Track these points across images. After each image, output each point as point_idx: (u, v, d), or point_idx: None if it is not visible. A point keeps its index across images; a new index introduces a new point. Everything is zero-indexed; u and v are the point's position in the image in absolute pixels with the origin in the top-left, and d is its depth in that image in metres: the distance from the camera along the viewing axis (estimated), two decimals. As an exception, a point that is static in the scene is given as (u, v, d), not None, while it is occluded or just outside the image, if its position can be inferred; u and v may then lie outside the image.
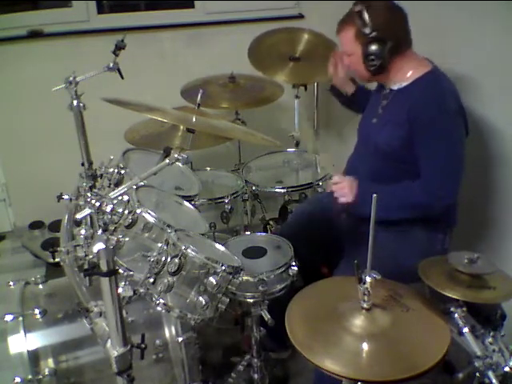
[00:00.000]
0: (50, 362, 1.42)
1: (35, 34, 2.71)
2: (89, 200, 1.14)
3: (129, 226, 1.31)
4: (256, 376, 1.86)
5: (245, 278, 1.57)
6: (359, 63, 1.72)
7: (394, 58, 1.69)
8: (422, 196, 1.67)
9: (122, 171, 1.61)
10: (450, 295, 1.24)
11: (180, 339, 1.50)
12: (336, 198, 1.74)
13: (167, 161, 1.25)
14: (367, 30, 1.63)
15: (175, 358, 1.51)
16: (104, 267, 1.05)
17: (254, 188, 2.20)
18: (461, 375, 1.33)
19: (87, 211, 1.11)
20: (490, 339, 1.29)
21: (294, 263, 1.67)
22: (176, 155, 1.25)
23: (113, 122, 2.36)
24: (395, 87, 1.76)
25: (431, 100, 1.64)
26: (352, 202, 1.70)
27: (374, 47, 1.65)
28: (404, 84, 1.73)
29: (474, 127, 1.76)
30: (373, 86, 2.01)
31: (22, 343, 1.41)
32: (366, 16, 1.63)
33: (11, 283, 1.62)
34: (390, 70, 1.72)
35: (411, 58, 1.72)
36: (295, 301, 1.28)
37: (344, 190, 1.71)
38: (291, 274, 1.66)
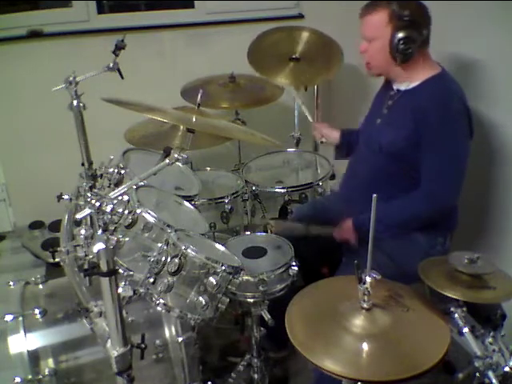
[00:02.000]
0: (50, 362, 1.42)
1: (35, 34, 2.71)
2: (89, 200, 1.14)
3: (129, 226, 1.31)
4: (256, 376, 1.86)
5: (245, 277, 1.57)
6: (381, 49, 1.68)
7: (420, 51, 1.66)
8: (422, 203, 1.68)
9: (122, 171, 1.61)
10: (450, 295, 1.24)
11: (180, 339, 1.50)
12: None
13: (167, 161, 1.25)
14: (406, 13, 1.60)
15: (175, 358, 1.51)
16: (104, 267, 1.05)
17: (254, 188, 2.20)
18: (461, 375, 1.33)
19: (87, 211, 1.11)
20: (490, 339, 1.29)
21: (294, 263, 1.67)
22: (176, 155, 1.25)
23: (113, 122, 2.35)
24: (403, 88, 1.75)
25: (437, 102, 1.63)
26: (357, 240, 1.77)
27: (409, 31, 1.61)
28: (412, 85, 1.72)
29: (475, 127, 1.76)
30: (373, 89, 2.01)
31: (22, 343, 1.40)
32: (406, 2, 1.61)
33: (11, 283, 1.62)
34: (411, 64, 1.69)
35: (427, 58, 1.72)
36: (295, 301, 1.28)
37: (345, 235, 1.80)
38: (291, 273, 1.66)
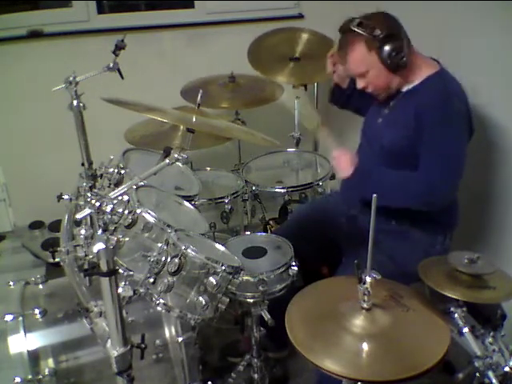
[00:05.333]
0: (50, 361, 1.42)
1: (35, 34, 2.71)
2: (89, 200, 1.14)
3: (129, 226, 1.31)
4: (256, 376, 1.86)
5: (245, 277, 1.58)
6: (379, 74, 1.67)
7: (410, 53, 1.66)
8: (421, 185, 1.64)
9: (122, 171, 1.61)
10: (449, 295, 1.24)
11: (180, 339, 1.50)
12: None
13: (167, 161, 1.25)
14: (377, 32, 1.59)
15: (175, 358, 1.51)
16: (104, 267, 1.05)
17: (253, 188, 2.20)
18: (461, 375, 1.33)
19: (87, 211, 1.11)
20: (490, 339, 1.29)
21: (293, 263, 1.67)
22: (176, 155, 1.25)
23: (113, 122, 2.35)
24: (404, 89, 1.74)
25: (437, 101, 1.63)
26: (349, 177, 1.66)
27: (391, 44, 1.60)
28: (412, 85, 1.72)
29: (475, 127, 1.76)
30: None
31: (22, 343, 1.41)
32: (370, 22, 1.61)
33: (11, 283, 1.62)
34: (408, 68, 1.68)
35: (418, 57, 1.71)
36: (295, 301, 1.29)
37: (344, 163, 1.68)
38: (291, 274, 1.66)
